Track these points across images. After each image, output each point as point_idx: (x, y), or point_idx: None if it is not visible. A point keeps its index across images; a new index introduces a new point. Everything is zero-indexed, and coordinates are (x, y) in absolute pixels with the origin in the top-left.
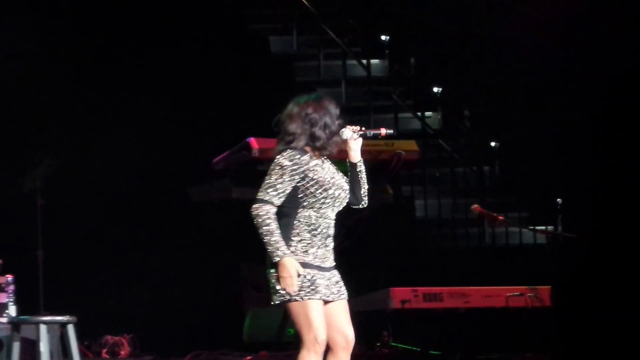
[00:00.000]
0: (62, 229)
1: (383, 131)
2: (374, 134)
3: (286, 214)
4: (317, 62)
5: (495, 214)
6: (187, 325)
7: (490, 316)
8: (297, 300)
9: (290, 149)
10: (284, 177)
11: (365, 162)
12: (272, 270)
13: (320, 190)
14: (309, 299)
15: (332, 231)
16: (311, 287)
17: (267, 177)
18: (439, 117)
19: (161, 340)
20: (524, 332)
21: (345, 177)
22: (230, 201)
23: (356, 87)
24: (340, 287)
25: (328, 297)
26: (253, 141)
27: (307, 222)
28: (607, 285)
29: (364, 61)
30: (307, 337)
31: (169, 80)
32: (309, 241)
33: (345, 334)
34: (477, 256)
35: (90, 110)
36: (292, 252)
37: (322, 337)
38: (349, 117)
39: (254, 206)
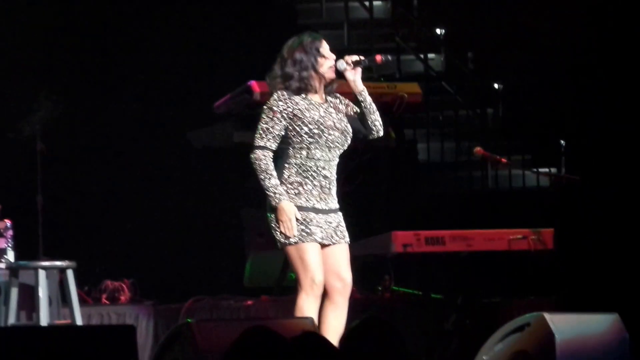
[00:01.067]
0: (61, 174)
1: (378, 57)
2: (369, 61)
3: (280, 155)
4: (319, 5)
5: (498, 157)
6: (188, 271)
7: (492, 259)
8: (292, 244)
9: (278, 90)
10: (274, 119)
11: None
12: (272, 215)
13: (306, 130)
14: (303, 241)
15: (329, 173)
16: (305, 230)
17: (259, 122)
18: (442, 59)
19: (161, 285)
20: (526, 275)
21: (350, 113)
22: (231, 145)
23: (359, 30)
24: (340, 230)
25: (324, 239)
26: (254, 84)
27: (297, 163)
28: (610, 228)
29: (367, 3)
30: (303, 280)
31: (169, 24)
32: (301, 182)
33: (343, 277)
34: (480, 199)
35: (90, 54)
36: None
37: (319, 279)
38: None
39: (251, 154)
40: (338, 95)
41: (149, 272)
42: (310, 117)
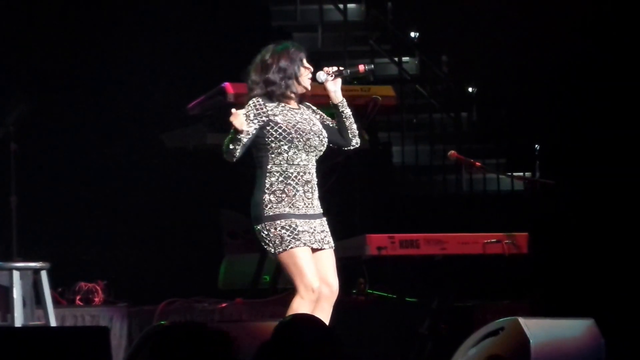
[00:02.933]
0: (35, 174)
1: (361, 67)
2: (351, 72)
3: (259, 165)
4: (294, 7)
5: (472, 160)
6: (162, 273)
7: (467, 263)
8: (283, 251)
9: (255, 96)
10: (247, 119)
11: None
12: (258, 226)
13: (284, 135)
14: (293, 247)
15: (310, 177)
16: (292, 236)
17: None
18: (416, 62)
19: (136, 287)
20: (501, 279)
21: (325, 123)
22: (205, 147)
23: (333, 32)
24: (325, 236)
25: (312, 244)
26: (228, 86)
27: (277, 170)
28: (584, 232)
29: (341, 5)
30: (299, 285)
31: (144, 24)
32: (283, 189)
33: (330, 283)
34: (455, 203)
35: (63, 53)
36: (265, 205)
37: (316, 285)
38: (325, 62)
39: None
40: (310, 105)
41: (123, 273)
42: (286, 120)
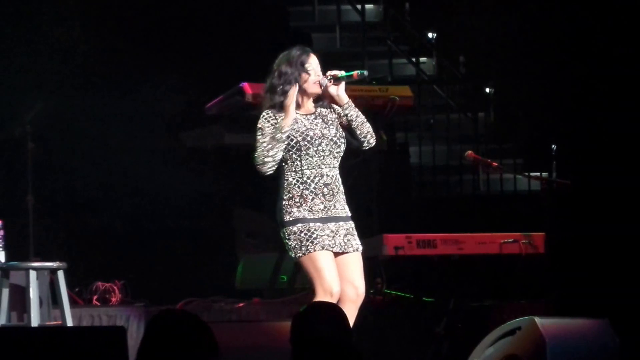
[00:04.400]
0: (52, 174)
1: (355, 74)
2: (347, 76)
3: (278, 174)
4: (312, 7)
5: (489, 161)
6: (179, 272)
7: (484, 263)
8: (303, 255)
9: (264, 109)
10: (264, 135)
11: (360, 108)
12: (281, 233)
13: (292, 145)
14: (312, 251)
15: (329, 179)
16: (310, 240)
17: (256, 142)
18: (434, 63)
19: (153, 286)
20: (517, 279)
21: (343, 127)
22: (223, 146)
23: (351, 33)
24: (350, 239)
25: (333, 247)
26: (246, 86)
27: (294, 177)
28: (601, 232)
29: (359, 6)
30: (318, 289)
31: (163, 24)
32: (301, 194)
33: (356, 286)
34: (472, 203)
35: (83, 53)
36: (285, 211)
37: (336, 290)
38: (343, 62)
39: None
40: (332, 106)
41: (140, 273)
42: (295, 130)
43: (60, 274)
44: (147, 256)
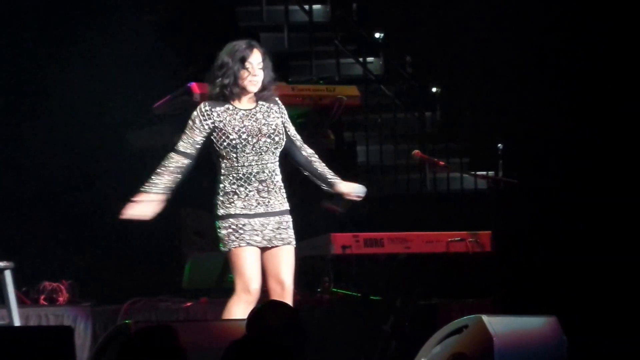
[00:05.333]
0: None
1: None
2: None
3: (215, 170)
4: (260, 7)
5: (436, 160)
6: (126, 272)
7: (431, 262)
8: (229, 250)
9: (202, 103)
10: (193, 127)
11: (307, 108)
12: (216, 223)
13: (227, 142)
14: (236, 246)
15: (265, 175)
16: (237, 235)
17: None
18: (381, 62)
19: (100, 286)
20: (464, 277)
21: (275, 123)
22: (171, 146)
23: (298, 32)
24: (281, 233)
25: (259, 243)
26: (194, 86)
27: (229, 173)
28: (547, 230)
29: (306, 6)
30: (237, 285)
31: (110, 23)
32: (235, 191)
33: (281, 280)
34: (419, 202)
35: (29, 51)
36: (219, 206)
37: (253, 287)
38: (291, 62)
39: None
40: (277, 102)
41: (87, 273)
42: (231, 127)
43: (8, 274)
44: (94, 255)
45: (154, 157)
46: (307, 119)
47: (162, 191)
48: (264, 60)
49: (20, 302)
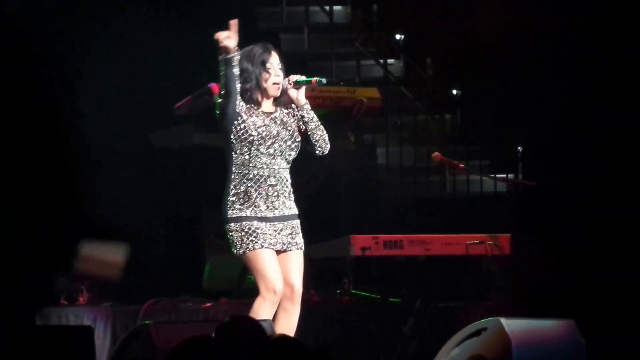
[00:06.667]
0: (20, 166)
1: (313, 80)
2: (305, 82)
3: (227, 165)
4: (280, 9)
5: (456, 162)
6: (147, 272)
7: (450, 264)
8: (244, 253)
9: None
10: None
11: (327, 109)
12: (227, 225)
13: (245, 136)
14: (254, 249)
15: (275, 180)
16: (252, 238)
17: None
18: (401, 64)
19: (120, 286)
20: (484, 280)
21: (292, 129)
22: (191, 147)
23: (319, 34)
24: (293, 237)
25: (275, 246)
26: (215, 86)
27: (240, 172)
28: (566, 233)
29: (327, 7)
30: (261, 286)
31: (133, 25)
32: (246, 192)
33: (291, 283)
34: (438, 204)
35: (49, 49)
36: (229, 206)
37: (278, 287)
38: (311, 64)
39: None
40: (292, 108)
41: None
42: (252, 122)
43: None
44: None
45: (175, 158)
46: (327, 121)
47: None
48: (281, 62)
49: None
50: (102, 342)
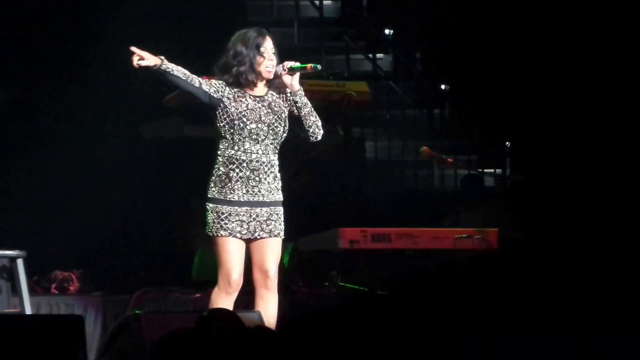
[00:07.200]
0: (10, 162)
1: (308, 66)
2: (300, 68)
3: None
4: (270, 2)
5: (444, 156)
6: (137, 262)
7: (438, 257)
8: (213, 236)
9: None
10: (211, 82)
11: (316, 103)
12: (205, 205)
13: (228, 121)
14: (218, 235)
15: (258, 164)
16: (222, 224)
17: None
18: (390, 59)
19: (111, 276)
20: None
21: (279, 113)
22: (181, 138)
23: (308, 28)
24: (269, 224)
25: (243, 234)
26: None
27: (223, 154)
28: (553, 228)
29: (317, 2)
30: (219, 275)
31: (120, 16)
32: (227, 175)
33: (265, 269)
34: (426, 198)
35: (43, 43)
36: (210, 186)
37: (233, 278)
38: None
39: None
40: (285, 93)
41: (98, 263)
42: (234, 107)
43: (20, 263)
44: (105, 246)
45: (164, 149)
46: None
47: (168, 65)
48: (274, 47)
49: (32, 291)
50: (93, 331)
